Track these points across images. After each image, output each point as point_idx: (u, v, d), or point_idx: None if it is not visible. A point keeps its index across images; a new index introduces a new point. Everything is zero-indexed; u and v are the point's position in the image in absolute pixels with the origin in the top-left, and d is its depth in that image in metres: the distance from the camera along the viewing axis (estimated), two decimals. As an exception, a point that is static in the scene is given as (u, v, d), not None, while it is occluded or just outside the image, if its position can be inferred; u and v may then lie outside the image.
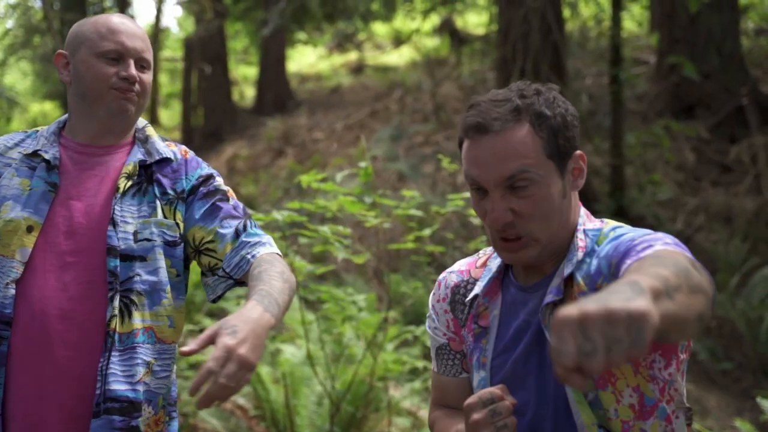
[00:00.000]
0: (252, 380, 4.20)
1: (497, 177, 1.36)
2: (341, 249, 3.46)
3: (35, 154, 1.85)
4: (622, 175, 8.37)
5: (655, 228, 7.14)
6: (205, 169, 1.93)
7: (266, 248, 1.82)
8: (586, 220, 1.46)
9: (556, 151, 1.38)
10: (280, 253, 1.87)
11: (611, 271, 1.31)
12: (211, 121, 14.06)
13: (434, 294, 1.66)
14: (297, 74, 16.65)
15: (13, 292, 1.73)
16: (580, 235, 1.42)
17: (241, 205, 1.92)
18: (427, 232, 3.67)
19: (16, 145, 1.89)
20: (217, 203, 1.87)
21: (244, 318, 1.51)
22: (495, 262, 1.55)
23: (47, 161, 1.83)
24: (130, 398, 1.75)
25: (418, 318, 5.95)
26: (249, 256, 1.80)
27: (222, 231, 1.84)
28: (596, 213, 8.64)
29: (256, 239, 1.84)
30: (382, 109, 12.48)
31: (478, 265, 1.61)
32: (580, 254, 1.39)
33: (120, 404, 1.74)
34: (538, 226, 1.38)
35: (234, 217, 1.86)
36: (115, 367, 1.74)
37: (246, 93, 16.66)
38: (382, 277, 6.81)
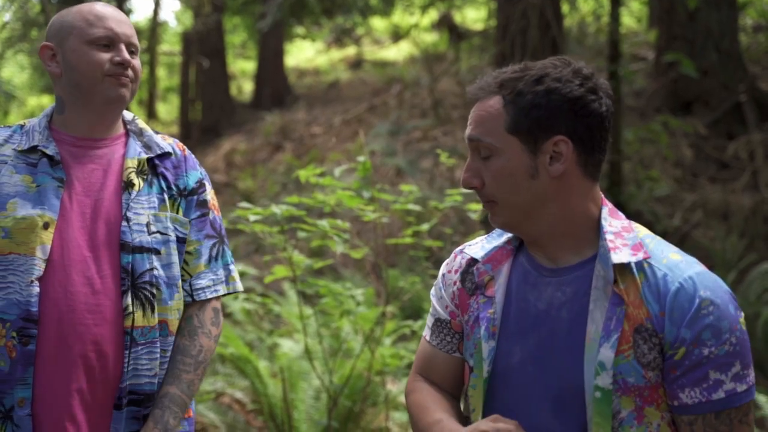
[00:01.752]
0: (250, 374, 4.21)
1: (467, 138, 1.48)
2: (340, 243, 3.46)
3: (32, 149, 1.82)
4: (620, 171, 8.37)
5: (652, 224, 7.15)
6: (199, 171, 1.96)
7: (223, 287, 1.92)
8: (610, 219, 1.46)
9: (522, 128, 1.41)
10: (233, 288, 1.95)
11: (673, 343, 1.38)
12: (208, 116, 14.04)
13: (447, 263, 1.66)
14: (295, 69, 16.63)
15: (37, 290, 1.71)
16: (609, 236, 1.42)
17: (219, 220, 1.97)
18: (425, 227, 3.67)
19: (6, 141, 1.85)
20: (204, 217, 1.92)
21: None
22: (506, 234, 1.58)
23: (50, 157, 1.81)
24: (147, 391, 1.79)
25: (416, 313, 5.96)
26: (208, 292, 1.89)
27: (201, 249, 1.90)
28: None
29: (220, 274, 1.92)
30: (381, 104, 12.47)
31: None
32: (616, 256, 1.40)
33: (138, 396, 1.78)
34: (501, 196, 1.44)
35: (212, 237, 1.92)
36: (139, 361, 1.76)
37: (244, 87, 16.64)
38: (380, 272, 6.81)
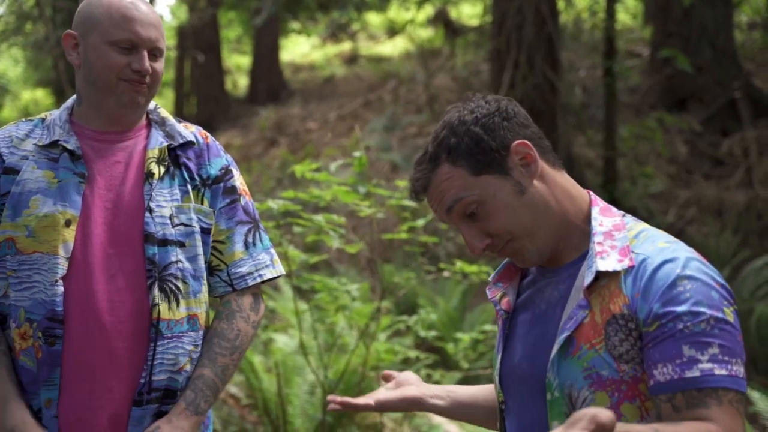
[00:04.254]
0: (244, 369, 4.21)
1: (443, 216, 1.46)
2: (335, 238, 3.46)
3: (53, 144, 1.78)
4: (615, 168, 8.39)
5: (647, 221, 7.16)
6: (224, 158, 1.90)
7: (268, 271, 1.89)
8: (601, 217, 1.44)
9: (482, 165, 1.41)
10: (279, 271, 1.92)
11: (646, 320, 1.31)
12: (203, 110, 14.01)
13: None
14: (290, 64, 16.60)
15: (61, 289, 1.69)
16: (597, 238, 1.40)
17: (251, 204, 1.92)
18: (420, 222, 3.67)
19: (27, 136, 1.81)
20: (234, 204, 1.87)
21: (174, 426, 1.71)
22: None
23: (71, 152, 1.76)
24: (170, 387, 1.76)
25: (410, 308, 5.97)
26: (249, 280, 1.86)
27: (234, 236, 1.85)
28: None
29: (263, 258, 1.89)
30: (376, 99, 12.46)
31: None
32: (602, 263, 1.36)
33: (159, 393, 1.75)
34: (511, 229, 1.42)
35: (246, 223, 1.88)
36: (162, 356, 1.73)
37: (239, 82, 16.60)
38: (375, 267, 6.81)
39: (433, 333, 4.42)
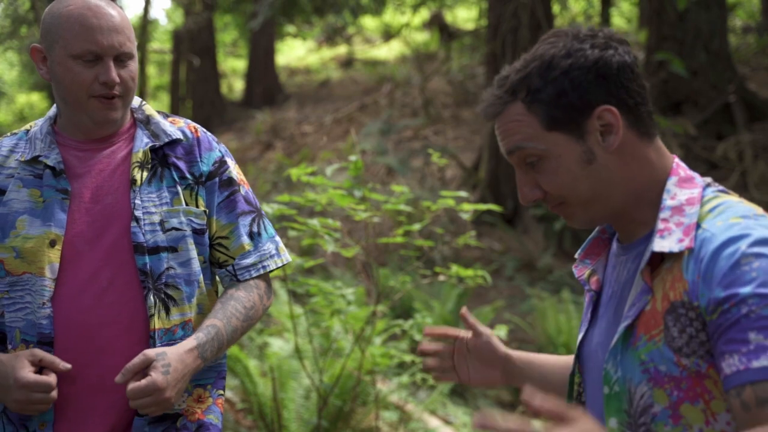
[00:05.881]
0: (240, 373, 4.20)
1: (504, 151, 1.34)
2: (331, 242, 3.46)
3: (35, 160, 1.72)
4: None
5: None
6: (217, 150, 1.83)
7: (273, 262, 1.84)
8: (675, 189, 1.29)
9: (557, 122, 1.28)
10: (284, 259, 1.88)
11: (708, 307, 1.16)
12: (199, 114, 14.01)
13: None
14: (286, 67, 16.61)
15: (49, 311, 1.65)
16: (664, 213, 1.26)
17: (251, 193, 1.86)
18: (416, 226, 3.67)
19: (11, 152, 1.75)
20: (233, 196, 1.81)
21: (180, 357, 1.63)
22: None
23: (52, 168, 1.71)
24: None
25: (406, 312, 5.96)
26: (253, 271, 1.81)
27: (237, 229, 1.80)
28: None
29: (268, 248, 1.84)
30: (371, 103, 12.47)
31: None
32: (658, 243, 1.23)
33: None
34: (566, 194, 1.30)
35: (248, 213, 1.82)
36: None
37: (234, 86, 16.61)
38: (370, 271, 6.81)
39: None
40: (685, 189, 1.28)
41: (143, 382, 1.58)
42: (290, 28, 17.02)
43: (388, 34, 15.78)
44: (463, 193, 3.86)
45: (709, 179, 1.32)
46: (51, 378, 1.61)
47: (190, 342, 1.67)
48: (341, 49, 16.88)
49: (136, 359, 1.60)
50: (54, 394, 1.61)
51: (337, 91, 14.27)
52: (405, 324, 4.24)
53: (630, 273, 1.31)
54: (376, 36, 17.34)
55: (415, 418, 4.37)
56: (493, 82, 1.35)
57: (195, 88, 14.42)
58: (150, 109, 1.84)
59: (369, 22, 17.42)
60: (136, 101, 1.83)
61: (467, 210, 3.73)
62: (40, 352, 1.62)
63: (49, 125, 1.78)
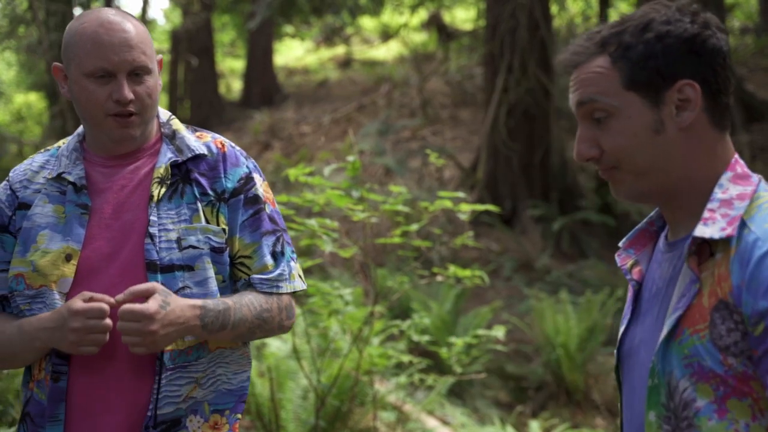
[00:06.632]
0: (237, 374, 4.19)
1: (573, 103, 1.32)
2: (329, 242, 3.46)
3: (60, 176, 1.73)
4: (608, 172, 8.40)
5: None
6: (244, 166, 1.78)
7: (287, 286, 1.78)
8: (729, 183, 1.27)
9: (641, 81, 1.26)
10: (293, 287, 1.81)
11: (751, 317, 1.15)
12: (197, 114, 14.00)
13: None
14: (284, 68, 16.61)
15: None
16: (712, 204, 1.24)
17: (277, 212, 1.83)
18: (414, 227, 3.67)
19: (41, 168, 1.77)
20: (258, 214, 1.77)
21: (182, 306, 1.62)
22: (649, 216, 1.44)
23: (73, 183, 1.71)
24: (173, 417, 1.69)
25: (404, 312, 5.97)
26: (266, 286, 1.76)
27: (261, 249, 1.76)
28: (581, 210, 8.70)
29: (284, 270, 1.78)
30: (370, 103, 12.47)
31: None
32: (700, 229, 1.22)
33: (165, 424, 1.69)
34: (624, 159, 1.28)
35: (272, 233, 1.78)
36: (166, 389, 1.67)
37: (233, 86, 16.61)
38: (368, 272, 6.81)
39: (426, 337, 4.41)
40: (738, 185, 1.26)
41: (138, 305, 1.57)
42: (288, 29, 17.01)
43: (387, 35, 15.78)
44: (461, 194, 3.87)
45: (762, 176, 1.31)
46: (103, 305, 1.59)
47: (197, 300, 1.65)
48: (339, 50, 16.88)
49: (144, 285, 1.61)
50: (108, 321, 1.59)
51: (336, 91, 14.27)
52: (403, 324, 4.24)
53: (676, 270, 1.29)
54: (374, 36, 17.34)
55: (412, 418, 4.38)
56: (580, 36, 1.34)
57: (193, 89, 14.41)
58: (178, 123, 1.82)
59: (367, 22, 17.42)
60: (164, 115, 1.81)
61: (465, 210, 3.74)
62: (88, 293, 1.62)
63: (76, 142, 1.78)
